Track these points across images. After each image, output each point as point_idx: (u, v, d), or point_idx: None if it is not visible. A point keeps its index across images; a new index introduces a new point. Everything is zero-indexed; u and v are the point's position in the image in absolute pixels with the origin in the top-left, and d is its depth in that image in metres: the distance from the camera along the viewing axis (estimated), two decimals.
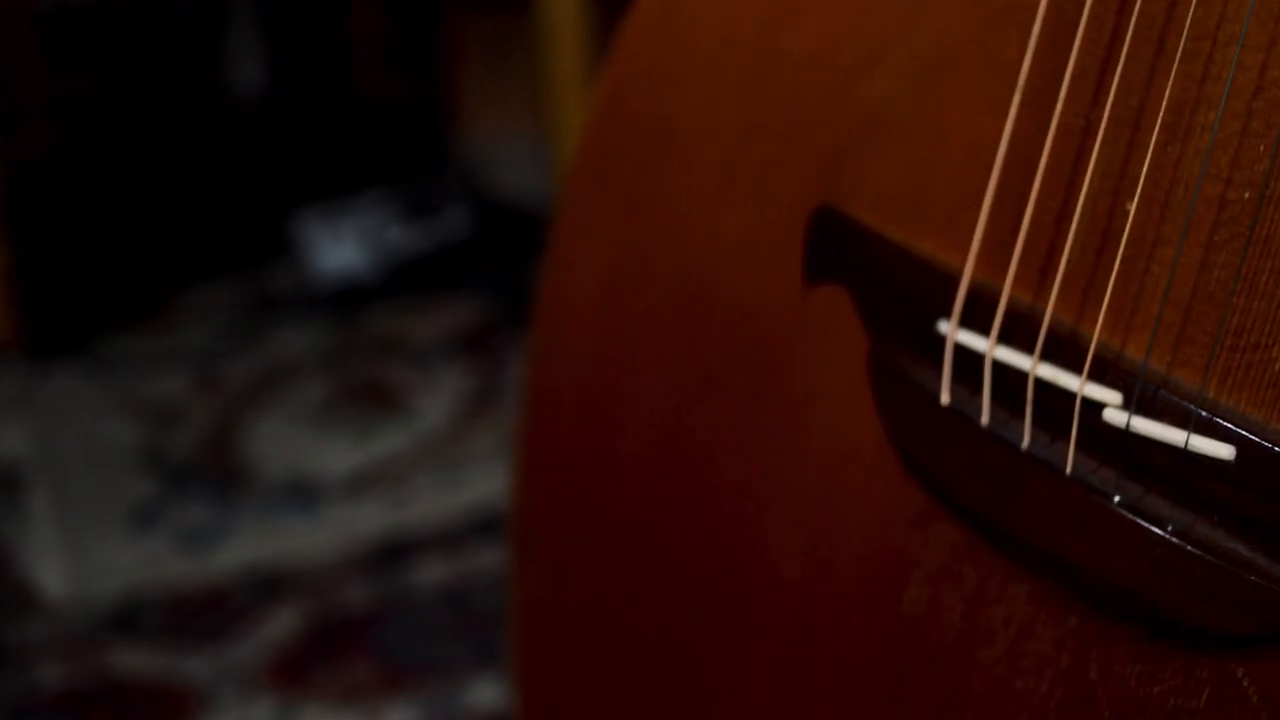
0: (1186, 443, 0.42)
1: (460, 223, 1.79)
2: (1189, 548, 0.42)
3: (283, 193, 1.84)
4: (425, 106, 1.98)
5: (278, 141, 1.89)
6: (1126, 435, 0.44)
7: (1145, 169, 0.45)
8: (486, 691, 1.17)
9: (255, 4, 1.90)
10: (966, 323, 0.49)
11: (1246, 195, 0.43)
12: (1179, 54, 0.44)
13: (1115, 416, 0.44)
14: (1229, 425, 0.42)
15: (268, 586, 1.31)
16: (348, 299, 1.74)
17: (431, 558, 1.34)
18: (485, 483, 1.43)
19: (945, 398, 0.50)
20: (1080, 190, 0.47)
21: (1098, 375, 0.45)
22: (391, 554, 1.34)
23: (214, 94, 1.87)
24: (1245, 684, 0.42)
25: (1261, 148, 0.42)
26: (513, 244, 1.77)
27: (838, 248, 0.55)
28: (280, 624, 1.26)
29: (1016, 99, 0.47)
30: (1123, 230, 0.45)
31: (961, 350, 0.49)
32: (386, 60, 1.95)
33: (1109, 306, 0.46)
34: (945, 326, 0.49)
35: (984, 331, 0.48)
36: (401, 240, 1.76)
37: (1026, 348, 0.47)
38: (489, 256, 1.78)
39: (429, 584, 1.30)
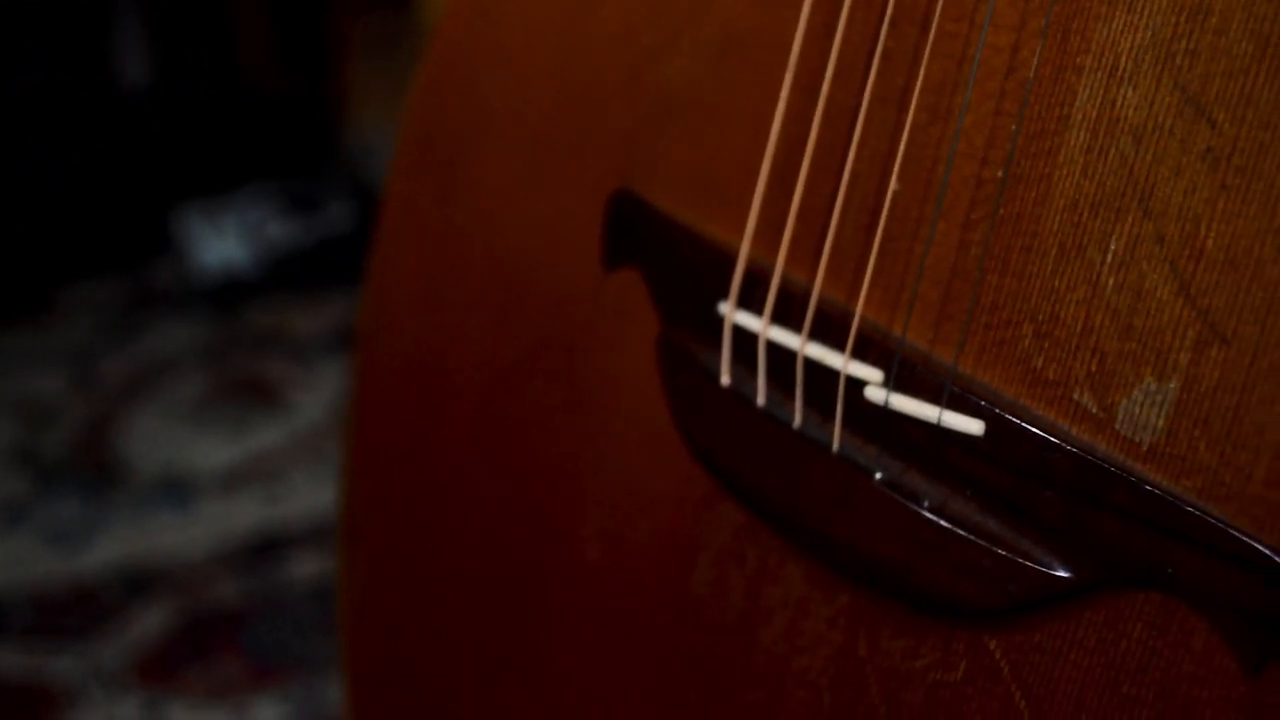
0: (939, 419, 0.43)
1: (343, 217, 1.78)
2: (942, 523, 0.43)
3: (166, 188, 1.82)
4: (311, 100, 1.96)
5: (162, 136, 1.86)
6: (887, 413, 0.44)
7: (904, 148, 0.45)
8: None
9: None
10: (744, 303, 0.49)
11: (1000, 174, 0.43)
12: (934, 34, 0.44)
13: (875, 394, 0.44)
14: (979, 401, 0.42)
15: (138, 584, 1.29)
16: (228, 294, 1.72)
17: (304, 554, 1.32)
18: None
19: (725, 379, 0.50)
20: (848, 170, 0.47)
21: (861, 354, 0.45)
22: (264, 550, 1.33)
23: (97, 87, 1.84)
24: (997, 656, 0.43)
25: (1013, 127, 0.43)
26: None
27: (633, 231, 0.55)
28: (150, 621, 1.24)
29: (788, 80, 0.48)
30: (888, 210, 0.46)
31: (739, 331, 0.49)
32: (272, 54, 1.93)
33: (875, 285, 0.46)
34: (725, 308, 0.49)
35: (761, 312, 0.48)
36: (283, 235, 1.74)
37: (799, 327, 0.47)
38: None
39: (301, 580, 1.29)
